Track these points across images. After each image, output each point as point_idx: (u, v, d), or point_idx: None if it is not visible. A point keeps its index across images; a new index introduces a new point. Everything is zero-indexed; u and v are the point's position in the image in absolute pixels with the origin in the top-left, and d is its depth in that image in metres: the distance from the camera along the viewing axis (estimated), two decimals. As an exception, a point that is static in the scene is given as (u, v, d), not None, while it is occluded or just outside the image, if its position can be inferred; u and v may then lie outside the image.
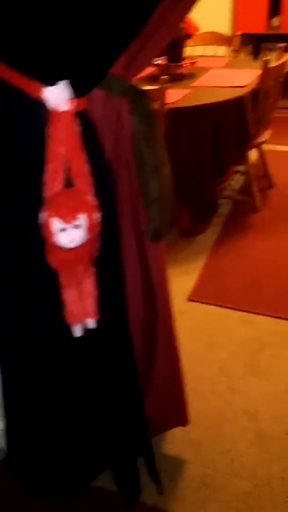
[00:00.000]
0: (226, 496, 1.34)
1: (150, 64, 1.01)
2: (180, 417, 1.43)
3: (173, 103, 2.23)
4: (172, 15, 0.92)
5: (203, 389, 1.67)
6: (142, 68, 0.99)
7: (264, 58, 2.39)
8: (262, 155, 2.99)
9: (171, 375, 1.34)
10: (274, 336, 1.89)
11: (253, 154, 2.95)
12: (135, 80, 1.00)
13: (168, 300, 1.25)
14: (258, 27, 3.97)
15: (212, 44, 3.33)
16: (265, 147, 3.06)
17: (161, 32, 0.93)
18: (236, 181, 3.13)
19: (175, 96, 2.31)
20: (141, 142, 1.01)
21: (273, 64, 2.46)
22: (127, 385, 1.16)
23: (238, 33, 3.73)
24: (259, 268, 2.31)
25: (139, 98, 1.00)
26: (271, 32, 3.99)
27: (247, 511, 1.30)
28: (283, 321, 1.96)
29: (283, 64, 2.53)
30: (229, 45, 3.32)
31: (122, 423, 1.18)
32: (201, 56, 3.14)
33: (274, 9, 3.90)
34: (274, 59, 2.62)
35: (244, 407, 1.60)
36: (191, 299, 2.14)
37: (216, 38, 3.33)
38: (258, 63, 2.53)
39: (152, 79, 2.39)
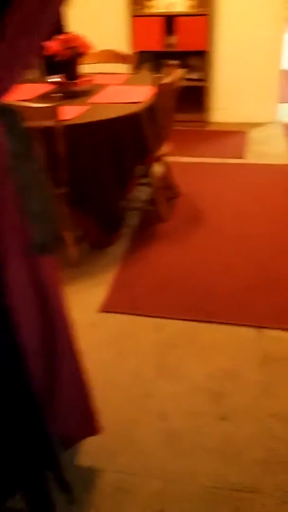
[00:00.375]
0: (141, 498, 1.38)
1: (20, 81, 1.02)
2: (91, 427, 1.44)
3: (69, 119, 2.27)
4: (32, 27, 0.93)
5: (115, 397, 1.71)
6: (10, 85, 1.00)
7: (155, 76, 2.53)
8: (166, 167, 3.13)
9: (77, 388, 1.36)
10: (181, 338, 1.98)
11: (158, 167, 3.08)
12: (7, 98, 1.01)
13: (65, 315, 1.27)
14: (156, 45, 4.17)
15: (111, 62, 3.44)
16: (169, 159, 3.21)
17: (22, 47, 0.94)
18: (143, 193, 3.25)
19: (72, 113, 2.36)
20: (16, 160, 1.03)
21: (165, 80, 2.60)
22: (23, 408, 1.15)
23: (136, 51, 3.90)
24: (167, 274, 2.41)
25: (11, 117, 1.02)
26: (168, 49, 4.20)
27: (161, 509, 1.34)
28: (189, 323, 2.06)
29: (174, 80, 2.69)
30: (128, 63, 3.45)
31: (24, 444, 1.18)
32: (99, 73, 3.23)
33: (169, 28, 4.13)
34: (168, 76, 2.77)
35: (155, 409, 1.65)
36: (103, 311, 2.17)
37: (114, 56, 3.44)
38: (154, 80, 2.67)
39: (46, 97, 2.43)
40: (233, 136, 4.24)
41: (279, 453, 1.47)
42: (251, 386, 1.72)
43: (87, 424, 1.44)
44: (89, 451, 1.51)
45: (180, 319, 2.09)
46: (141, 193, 3.26)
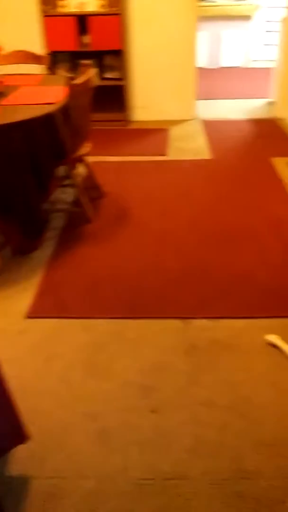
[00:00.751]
0: (73, 500, 1.36)
1: None
2: (18, 435, 1.41)
3: (-20, 123, 2.19)
4: None
5: (45, 403, 1.68)
6: None
7: (69, 76, 2.51)
8: (88, 167, 3.12)
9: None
10: (110, 336, 1.98)
11: (80, 167, 3.07)
12: None
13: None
14: (70, 45, 4.13)
15: (24, 63, 3.36)
16: (92, 159, 3.20)
17: None
18: (68, 194, 3.21)
19: (-18, 116, 2.28)
20: None
21: (78, 80, 2.59)
22: None
23: (50, 51, 3.84)
24: (94, 275, 2.40)
25: None
26: (83, 49, 4.18)
27: (94, 509, 1.34)
28: (118, 320, 2.07)
29: (88, 80, 2.68)
30: (41, 63, 3.39)
31: None
32: (11, 74, 3.15)
33: (83, 27, 4.11)
34: (81, 76, 2.76)
35: (85, 410, 1.65)
36: (29, 316, 2.12)
37: (27, 57, 3.37)
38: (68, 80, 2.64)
39: None
40: (155, 134, 4.31)
41: (205, 438, 1.52)
42: (178, 376, 1.76)
43: (15, 433, 1.40)
44: (19, 460, 1.47)
45: (109, 318, 2.09)
46: (66, 194, 3.22)
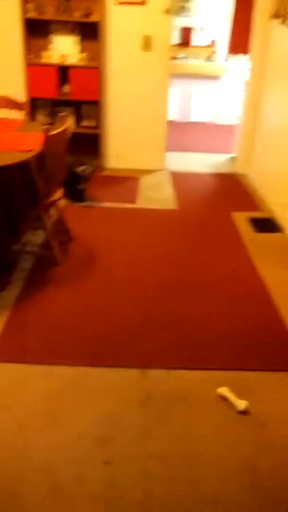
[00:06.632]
0: None
1: None
2: None
3: None
4: None
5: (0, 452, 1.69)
6: None
7: (46, 124, 2.62)
8: (59, 211, 3.22)
9: None
10: (70, 384, 2.02)
11: (52, 211, 3.15)
12: None
13: None
14: (50, 93, 4.31)
15: (4, 108, 3.49)
16: (63, 203, 3.30)
17: None
18: (38, 237, 3.28)
19: None
20: None
21: (55, 129, 2.71)
22: None
23: (29, 98, 4.00)
24: (57, 320, 2.45)
25: None
26: (63, 98, 4.37)
27: None
28: (78, 368, 2.11)
29: (64, 130, 2.82)
30: (21, 109, 3.53)
31: None
32: (-10, 120, 3.26)
33: (63, 78, 4.31)
34: (59, 124, 2.89)
35: (40, 462, 1.66)
36: (-10, 360, 2.14)
37: (8, 102, 3.51)
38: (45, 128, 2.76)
39: None
40: (126, 181, 4.48)
41: (154, 493, 1.57)
42: (133, 428, 1.82)
43: None
44: None
45: (69, 365, 2.14)
46: (36, 236, 3.29)
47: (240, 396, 1.96)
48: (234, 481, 1.62)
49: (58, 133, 2.72)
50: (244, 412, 1.90)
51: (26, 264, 2.96)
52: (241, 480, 1.62)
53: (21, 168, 2.52)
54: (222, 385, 2.02)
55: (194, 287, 2.80)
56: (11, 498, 1.53)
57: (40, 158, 2.65)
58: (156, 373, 2.10)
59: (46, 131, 2.59)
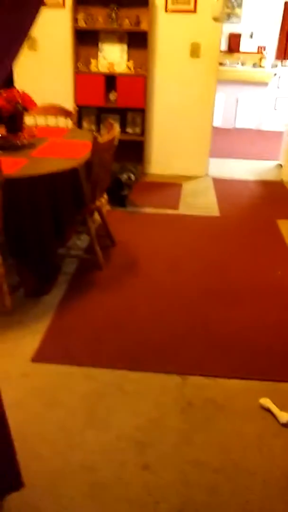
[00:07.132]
0: None
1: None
2: (13, 482, 1.47)
3: (9, 173, 2.36)
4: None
5: (42, 450, 1.74)
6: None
7: (94, 132, 2.69)
8: (103, 215, 3.28)
9: None
10: (110, 387, 2.05)
11: (96, 216, 3.23)
12: None
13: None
14: (98, 101, 4.42)
15: (54, 115, 3.61)
16: (107, 208, 3.36)
17: None
18: (82, 241, 3.36)
19: (12, 166, 2.45)
20: None
21: (103, 138, 2.78)
22: None
23: (78, 106, 4.11)
24: (100, 323, 2.50)
25: None
26: (109, 105, 4.46)
27: None
28: (118, 371, 2.14)
29: (112, 139, 2.88)
30: (70, 117, 3.63)
31: None
32: (42, 126, 3.37)
33: (110, 85, 4.41)
34: (106, 132, 2.96)
35: (81, 461, 1.70)
36: (35, 360, 2.21)
37: (57, 110, 3.62)
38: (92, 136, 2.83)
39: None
40: (168, 187, 4.51)
41: (193, 499, 1.57)
42: (172, 434, 1.82)
43: (9, 479, 1.46)
44: (12, 508, 1.52)
45: (110, 368, 2.17)
46: (80, 241, 3.37)
47: (283, 408, 1.92)
48: (276, 494, 1.59)
49: (106, 141, 2.78)
50: (287, 425, 1.86)
51: (69, 268, 3.04)
52: (285, 494, 1.59)
53: (70, 174, 2.59)
54: (264, 395, 1.99)
55: (237, 295, 2.77)
56: (52, 497, 1.57)
57: (88, 165, 2.72)
58: (197, 380, 2.10)
59: (95, 139, 2.65)
